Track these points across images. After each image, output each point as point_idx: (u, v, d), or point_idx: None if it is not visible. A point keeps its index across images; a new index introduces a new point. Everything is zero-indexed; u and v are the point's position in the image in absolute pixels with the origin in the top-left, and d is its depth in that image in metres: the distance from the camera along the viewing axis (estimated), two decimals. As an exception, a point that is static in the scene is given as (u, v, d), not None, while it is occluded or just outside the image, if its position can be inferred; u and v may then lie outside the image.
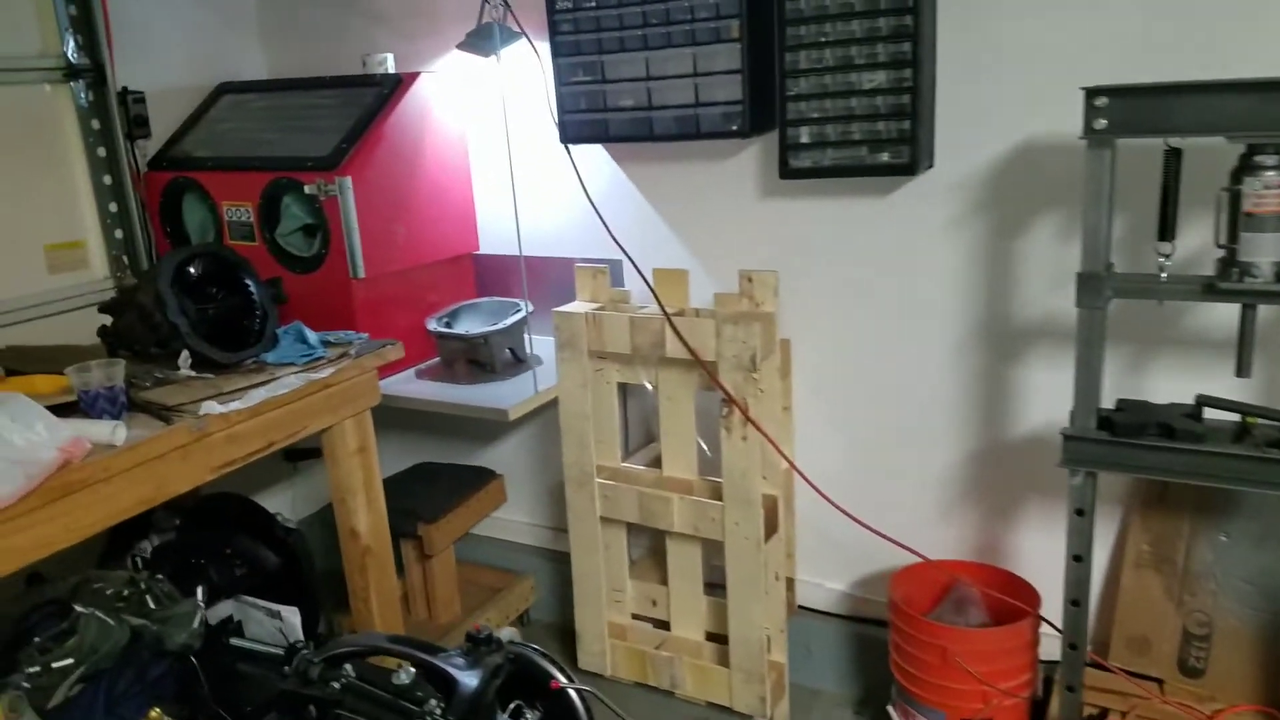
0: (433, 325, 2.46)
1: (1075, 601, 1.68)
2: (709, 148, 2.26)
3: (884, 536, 2.17)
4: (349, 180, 2.21)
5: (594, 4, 2.11)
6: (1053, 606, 1.97)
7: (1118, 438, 1.56)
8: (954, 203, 2.06)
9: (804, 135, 2.04)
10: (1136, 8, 1.80)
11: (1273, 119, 1.38)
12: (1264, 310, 1.55)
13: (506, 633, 1.68)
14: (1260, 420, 1.56)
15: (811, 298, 2.27)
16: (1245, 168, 1.44)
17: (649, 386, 2.31)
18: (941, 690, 1.99)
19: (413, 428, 2.92)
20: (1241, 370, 1.55)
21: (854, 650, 2.42)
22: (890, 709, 2.16)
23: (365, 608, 2.22)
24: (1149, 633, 1.98)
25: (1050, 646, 2.02)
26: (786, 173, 2.07)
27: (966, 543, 2.25)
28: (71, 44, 2.36)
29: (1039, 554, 2.15)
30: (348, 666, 1.58)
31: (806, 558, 2.48)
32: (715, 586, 2.37)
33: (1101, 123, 1.41)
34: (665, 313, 2.13)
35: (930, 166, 2.03)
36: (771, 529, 2.18)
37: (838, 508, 2.15)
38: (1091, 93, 1.42)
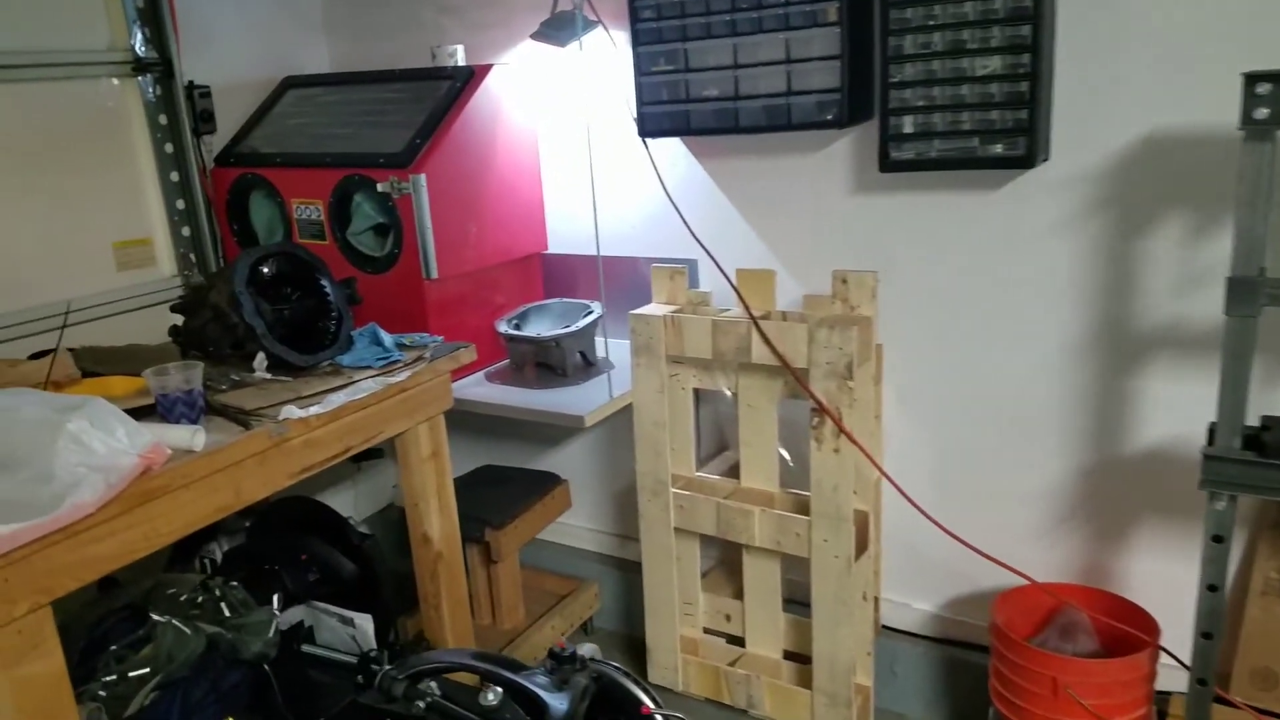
0: (503, 327, 2.41)
1: (1207, 634, 1.56)
2: (798, 140, 2.17)
3: (988, 557, 2.05)
4: (423, 178, 2.15)
5: (679, -12, 2.03)
6: (1171, 635, 1.86)
7: (1268, 459, 1.44)
8: (1070, 198, 1.95)
9: (907, 125, 1.94)
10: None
11: None
12: None
13: (588, 649, 1.61)
14: None
15: (906, 299, 2.17)
16: None
17: (728, 393, 2.23)
18: (1049, 722, 1.88)
19: (476, 429, 2.87)
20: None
21: (943, 674, 2.32)
22: (988, 738, 2.06)
23: (436, 614, 2.17)
24: (1277, 666, 1.86)
25: (1166, 677, 1.90)
26: (887, 165, 1.97)
27: (1071, 565, 2.14)
28: (139, 37, 2.34)
29: (1153, 579, 2.03)
30: (432, 684, 1.53)
31: (892, 576, 2.38)
32: (791, 602, 2.29)
33: (1263, 112, 1.30)
34: (751, 316, 2.04)
35: (1046, 159, 1.92)
36: (862, 547, 2.09)
37: (941, 527, 2.05)
38: (1252, 78, 1.31)
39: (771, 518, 2.13)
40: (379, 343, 1.98)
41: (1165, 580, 1.98)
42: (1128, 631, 1.90)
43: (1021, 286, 2.04)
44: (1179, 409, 1.90)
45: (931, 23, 1.86)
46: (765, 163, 2.25)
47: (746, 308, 2.08)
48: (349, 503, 3.05)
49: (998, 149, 1.87)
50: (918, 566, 2.33)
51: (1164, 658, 1.90)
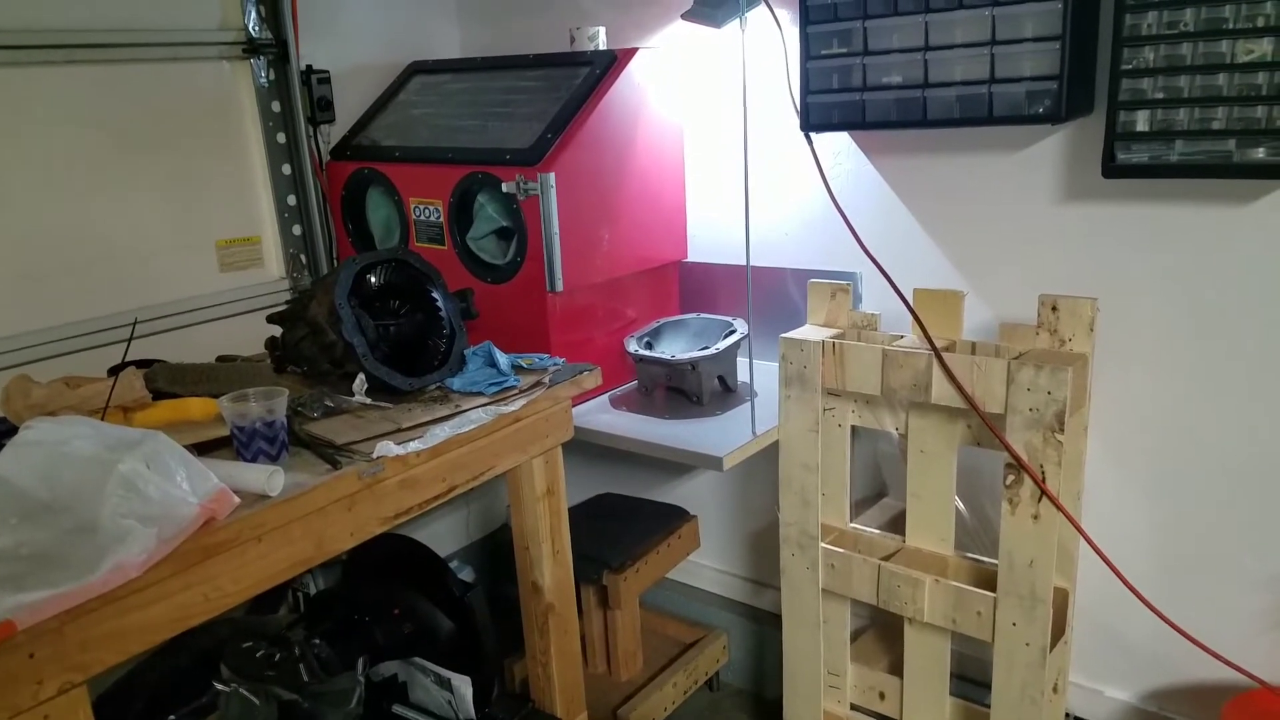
0: (632, 347, 2.11)
1: None
2: (998, 136, 1.81)
3: (1214, 654, 1.65)
4: (552, 177, 1.87)
5: (864, -46, 1.70)
6: None
7: None
8: (1356, 219, 1.52)
9: (1141, 121, 1.56)
10: None
11: None
12: None
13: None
14: None
15: (1125, 332, 1.77)
16: None
17: (896, 434, 1.87)
18: None
19: (592, 452, 2.58)
20: None
21: (1141, 779, 1.92)
22: None
23: (543, 673, 1.92)
24: None
25: None
26: (1113, 170, 1.59)
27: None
28: (253, 16, 2.14)
29: None
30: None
31: (1082, 656, 1.99)
32: (959, 679, 1.93)
33: None
34: (933, 346, 1.68)
35: (1328, 168, 1.50)
36: (1059, 633, 1.70)
37: (1161, 615, 1.64)
38: None
39: (946, 590, 1.76)
40: (493, 364, 1.72)
41: None
42: None
43: (1277, 329, 1.62)
44: None
45: (1183, -6, 1.49)
46: (953, 162, 1.89)
47: (927, 335, 1.72)
48: (461, 522, 2.83)
49: (1260, 154, 1.49)
50: (1113, 649, 1.95)
51: None
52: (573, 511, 1.92)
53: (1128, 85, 1.56)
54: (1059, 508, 1.57)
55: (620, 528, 2.38)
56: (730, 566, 2.56)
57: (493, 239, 2.09)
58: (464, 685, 1.69)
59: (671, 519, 2.44)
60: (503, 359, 1.73)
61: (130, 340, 1.44)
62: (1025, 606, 1.65)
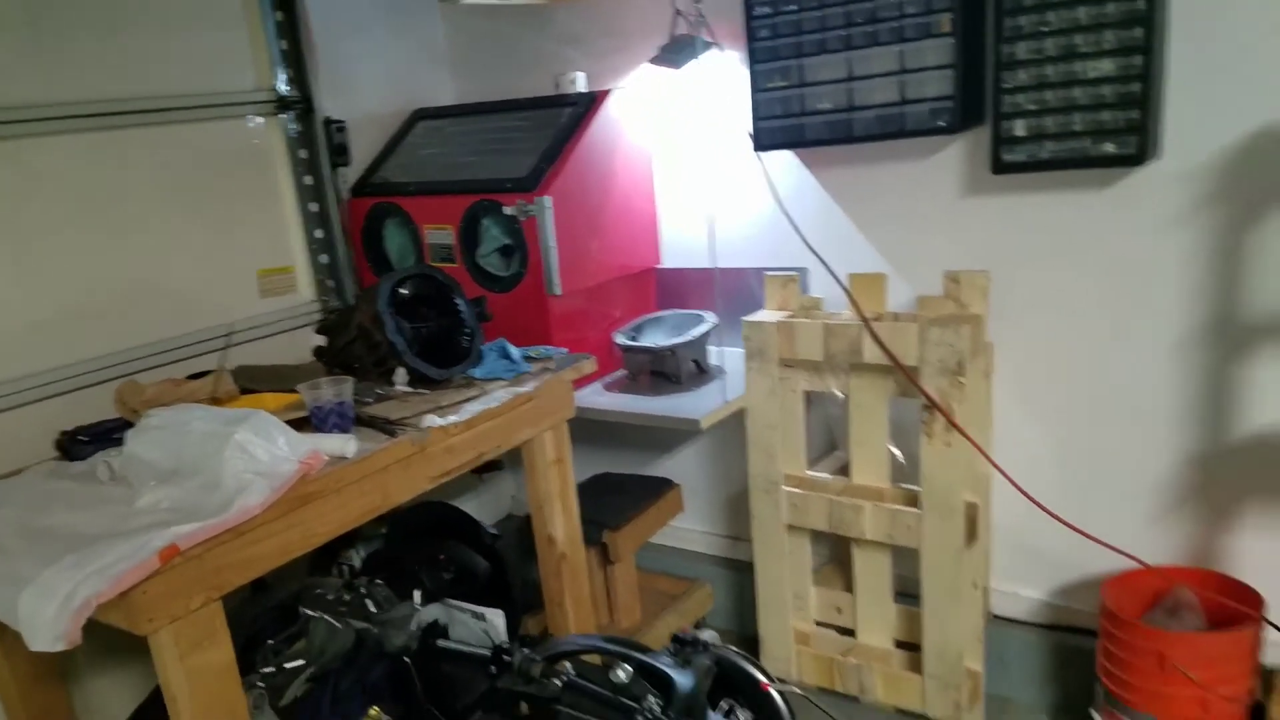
0: (620, 339, 2.38)
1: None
2: (910, 146, 2.09)
3: (1096, 540, 1.93)
4: (549, 200, 2.14)
5: (795, 8, 1.98)
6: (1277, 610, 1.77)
7: None
8: (1180, 195, 1.83)
9: (1019, 128, 1.86)
10: None
11: None
12: None
13: (708, 635, 1.59)
14: None
15: (1019, 299, 2.06)
16: None
17: (839, 394, 2.15)
18: (1156, 696, 1.78)
19: (592, 438, 2.84)
20: None
21: (1050, 659, 2.20)
22: (1094, 713, 1.95)
23: (560, 611, 2.16)
24: None
25: (1275, 655, 1.81)
26: (1000, 168, 1.89)
27: (1180, 549, 2.01)
28: (282, 78, 2.39)
29: (1260, 557, 1.91)
30: (566, 665, 1.51)
31: (1002, 566, 2.27)
32: (900, 595, 2.21)
33: None
34: (864, 317, 1.97)
35: (1157, 156, 1.81)
36: (972, 536, 1.99)
37: (1050, 513, 1.94)
38: None
39: (883, 511, 2.05)
40: (507, 356, 1.98)
41: (1268, 556, 1.88)
42: (1235, 608, 1.79)
43: (1134, 281, 1.93)
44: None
45: (1044, 29, 1.79)
46: (877, 170, 2.18)
47: (858, 309, 2.00)
48: (471, 512, 3.04)
49: (1108, 148, 1.79)
50: (1026, 555, 2.23)
51: (1272, 634, 1.79)
52: (577, 487, 2.15)
53: (1007, 100, 1.85)
54: (962, 433, 1.86)
55: (616, 498, 2.61)
56: (710, 527, 2.81)
57: (496, 255, 2.35)
58: (497, 617, 1.93)
59: (659, 487, 2.67)
60: (515, 351, 1.99)
61: (226, 349, 1.69)
62: (943, 516, 1.95)
